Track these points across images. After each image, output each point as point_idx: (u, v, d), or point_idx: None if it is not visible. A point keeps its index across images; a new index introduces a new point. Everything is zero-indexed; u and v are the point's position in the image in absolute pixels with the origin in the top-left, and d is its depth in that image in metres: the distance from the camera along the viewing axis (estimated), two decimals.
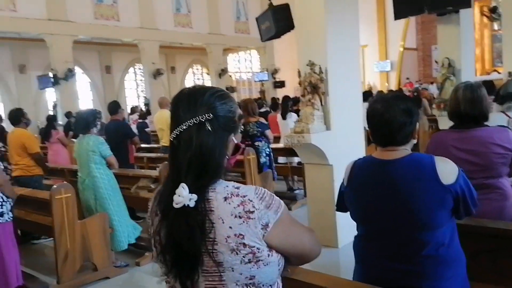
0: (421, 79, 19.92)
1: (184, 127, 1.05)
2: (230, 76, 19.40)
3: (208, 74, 19.23)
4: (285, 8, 4.56)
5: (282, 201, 1.09)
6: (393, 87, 18.34)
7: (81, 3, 12.90)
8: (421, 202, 1.56)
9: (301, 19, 4.27)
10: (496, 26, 17.09)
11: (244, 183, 5.03)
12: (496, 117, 2.95)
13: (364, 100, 6.34)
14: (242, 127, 6.05)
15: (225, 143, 1.10)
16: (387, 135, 1.66)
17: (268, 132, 5.66)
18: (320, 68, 4.15)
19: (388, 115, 1.63)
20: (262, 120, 5.78)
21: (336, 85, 4.23)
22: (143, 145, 8.21)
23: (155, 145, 8.18)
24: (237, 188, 1.05)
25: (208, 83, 19.22)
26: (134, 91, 18.56)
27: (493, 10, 9.32)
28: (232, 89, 17.62)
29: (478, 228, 2.02)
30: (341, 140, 4.22)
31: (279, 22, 4.53)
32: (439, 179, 1.54)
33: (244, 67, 21.14)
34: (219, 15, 16.81)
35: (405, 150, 1.66)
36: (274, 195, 1.08)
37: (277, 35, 4.60)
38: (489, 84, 9.57)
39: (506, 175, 2.34)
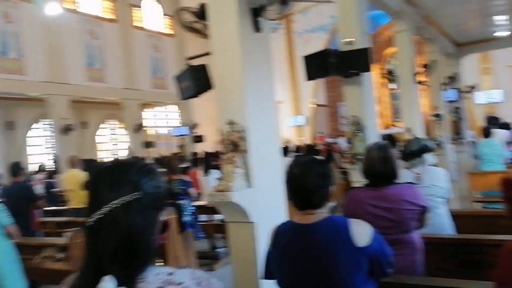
0: (332, 134, 21.21)
1: (108, 209, 0.92)
2: (147, 131, 19.01)
3: (124, 129, 18.67)
4: (204, 68, 4.63)
5: (220, 283, 1.00)
6: (308, 141, 19.25)
7: None
8: (338, 266, 1.57)
9: (219, 79, 4.35)
10: (393, 86, 19.03)
11: (164, 244, 4.83)
12: (404, 173, 3.18)
13: (283, 155, 6.54)
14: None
15: (155, 223, 0.99)
16: (304, 199, 1.69)
17: (192, 190, 5.58)
18: (240, 126, 4.21)
19: (304, 179, 1.67)
20: (185, 177, 5.69)
21: (256, 142, 4.29)
22: (50, 208, 7.54)
23: (64, 207, 7.55)
24: (171, 274, 0.94)
25: (123, 138, 18.62)
26: (41, 148, 17.29)
27: (390, 72, 10.39)
28: (149, 144, 17.21)
29: (397, 285, 2.08)
30: (263, 197, 4.22)
31: (198, 81, 4.56)
32: (353, 241, 1.57)
33: (162, 122, 20.90)
34: (135, 71, 16.68)
35: (321, 214, 1.69)
36: (211, 276, 0.98)
37: (196, 95, 4.61)
38: (391, 138, 10.42)
39: (415, 229, 2.50)
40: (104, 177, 0.97)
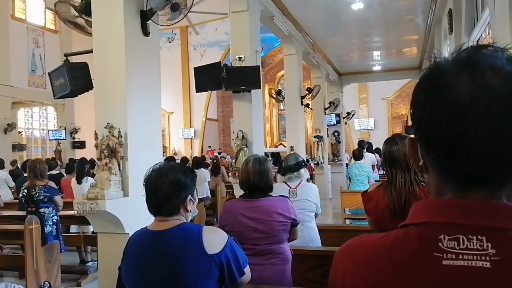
0: (222, 148, 21.43)
1: None
2: (20, 132, 17.12)
3: None
4: (83, 66, 4.31)
5: None
6: (197, 153, 19.16)
7: None
8: (187, 272, 1.55)
9: (101, 80, 4.09)
10: (281, 106, 19.98)
11: (23, 257, 4.30)
12: (280, 187, 3.28)
13: None
14: (26, 191, 5.28)
15: None
16: (154, 205, 1.64)
17: (58, 198, 5.06)
18: (119, 131, 3.99)
19: (155, 184, 1.62)
20: (52, 184, 5.15)
21: (136, 149, 4.11)
22: None
23: None
24: None
25: None
26: None
27: (279, 93, 10.86)
28: (20, 147, 15.52)
29: None
30: (139, 207, 4.00)
31: (75, 80, 4.23)
32: (204, 248, 1.55)
33: (38, 124, 19.02)
34: (9, 65, 14.99)
35: (176, 220, 1.64)
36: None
37: (72, 94, 4.27)
38: (276, 156, 10.82)
39: (286, 240, 2.57)
40: None
